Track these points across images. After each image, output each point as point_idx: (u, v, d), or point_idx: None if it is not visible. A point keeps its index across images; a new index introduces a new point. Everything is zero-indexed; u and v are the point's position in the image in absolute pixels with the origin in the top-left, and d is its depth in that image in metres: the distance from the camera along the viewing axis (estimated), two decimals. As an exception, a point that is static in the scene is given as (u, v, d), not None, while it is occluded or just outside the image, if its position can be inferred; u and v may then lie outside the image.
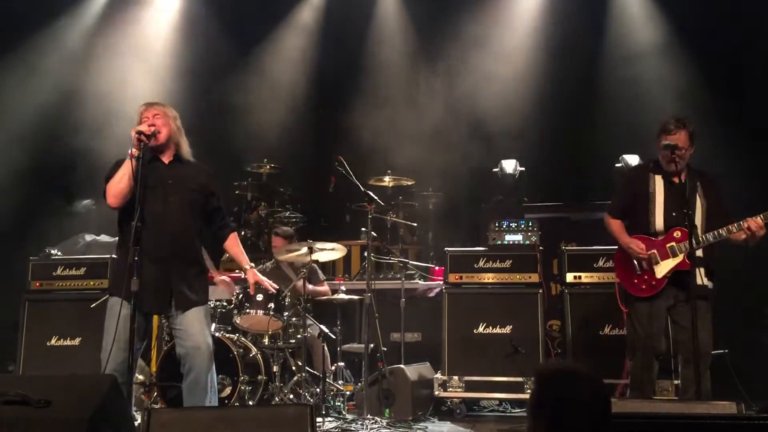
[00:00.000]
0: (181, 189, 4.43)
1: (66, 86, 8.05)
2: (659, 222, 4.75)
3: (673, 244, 4.70)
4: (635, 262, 4.78)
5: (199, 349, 4.32)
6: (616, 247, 4.98)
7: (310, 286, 6.21)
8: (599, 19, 8.19)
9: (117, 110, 7.54)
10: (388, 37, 8.88)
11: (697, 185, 4.78)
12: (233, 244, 4.72)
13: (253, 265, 4.78)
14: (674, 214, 4.71)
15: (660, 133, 4.72)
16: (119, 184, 4.28)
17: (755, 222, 4.51)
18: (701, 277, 4.64)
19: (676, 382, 5.62)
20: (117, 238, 4.64)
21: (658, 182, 4.80)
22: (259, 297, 5.76)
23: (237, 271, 7.10)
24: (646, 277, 4.74)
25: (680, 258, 4.66)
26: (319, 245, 5.82)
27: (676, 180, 4.75)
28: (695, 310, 4.31)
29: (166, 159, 4.49)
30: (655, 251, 4.72)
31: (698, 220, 4.71)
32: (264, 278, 4.85)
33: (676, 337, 4.79)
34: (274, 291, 5.20)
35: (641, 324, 4.73)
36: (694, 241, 4.42)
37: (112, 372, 4.00)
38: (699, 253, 4.64)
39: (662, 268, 4.70)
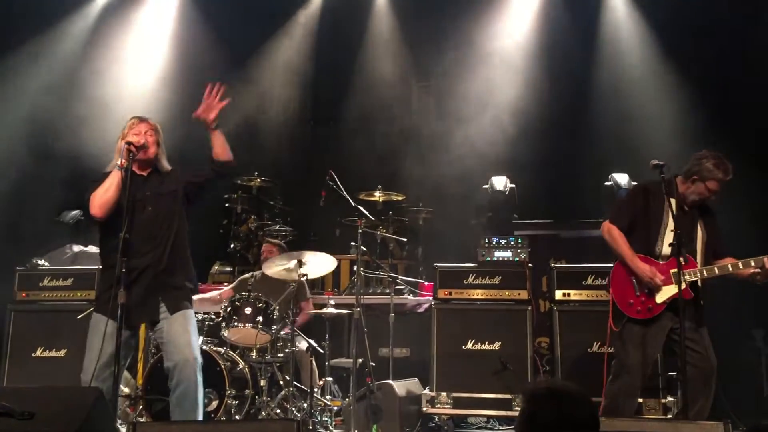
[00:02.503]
0: (158, 198, 4.43)
1: (55, 98, 8.03)
2: (666, 246, 4.62)
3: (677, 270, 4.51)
4: (635, 282, 4.64)
5: (188, 361, 4.27)
6: (612, 262, 4.84)
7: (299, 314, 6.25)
8: (590, 41, 8.26)
9: (107, 122, 7.52)
10: (381, 52, 8.92)
11: (698, 216, 4.74)
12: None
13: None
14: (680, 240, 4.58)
15: (719, 170, 4.58)
16: (106, 194, 4.27)
17: None
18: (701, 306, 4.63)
19: (663, 401, 5.62)
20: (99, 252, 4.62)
21: (672, 206, 4.64)
22: (248, 310, 5.74)
23: (225, 284, 7.09)
24: (643, 299, 4.60)
25: (683, 286, 4.45)
26: (308, 255, 5.81)
27: (686, 208, 4.72)
28: (683, 330, 4.29)
29: (144, 172, 4.49)
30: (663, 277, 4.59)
31: (698, 250, 4.68)
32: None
33: (685, 358, 4.41)
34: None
35: (634, 347, 4.57)
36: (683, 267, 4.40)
37: (95, 385, 3.97)
38: (699, 282, 4.62)
39: (663, 294, 4.57)
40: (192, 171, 4.60)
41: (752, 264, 4.53)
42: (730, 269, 4.56)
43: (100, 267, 4.68)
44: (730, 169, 4.61)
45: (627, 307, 4.65)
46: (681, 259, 4.49)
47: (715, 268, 4.58)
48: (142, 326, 4.77)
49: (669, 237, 4.62)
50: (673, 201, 4.63)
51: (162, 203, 4.43)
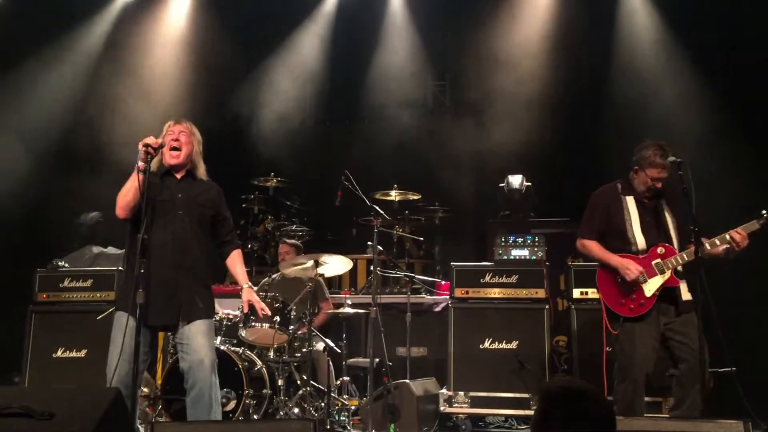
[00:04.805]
0: (190, 204, 4.46)
1: (75, 99, 8.11)
2: (641, 241, 4.70)
3: (659, 260, 4.64)
4: (620, 282, 4.66)
5: (203, 362, 4.30)
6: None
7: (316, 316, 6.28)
8: (607, 37, 8.19)
9: (125, 124, 7.59)
10: (396, 51, 8.90)
11: (662, 204, 4.80)
12: (235, 262, 4.71)
13: (251, 284, 4.75)
14: (652, 233, 4.70)
15: (656, 156, 4.64)
16: (125, 197, 4.32)
17: (738, 234, 4.52)
18: (685, 292, 4.65)
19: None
20: (124, 251, 4.66)
21: (631, 203, 4.77)
22: (264, 310, 5.76)
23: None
24: (634, 296, 4.63)
25: (668, 275, 4.61)
26: (324, 258, 5.83)
27: (646, 201, 4.79)
28: (701, 323, 4.29)
29: (178, 175, 4.53)
30: (643, 269, 4.64)
31: (673, 237, 4.72)
32: (258, 300, 4.77)
33: (676, 353, 4.60)
34: (262, 315, 5.03)
35: (633, 345, 4.59)
36: (687, 254, 4.45)
37: (118, 384, 4.00)
38: (680, 268, 4.64)
39: (651, 286, 4.61)
40: (220, 224, 4.66)
41: (717, 243, 4.58)
42: (708, 248, 4.56)
43: (121, 267, 4.72)
44: (667, 154, 4.63)
45: (620, 307, 4.68)
46: (684, 250, 4.58)
47: (693, 252, 4.54)
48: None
49: (639, 231, 4.70)
50: (630, 198, 4.77)
51: (196, 210, 4.48)
